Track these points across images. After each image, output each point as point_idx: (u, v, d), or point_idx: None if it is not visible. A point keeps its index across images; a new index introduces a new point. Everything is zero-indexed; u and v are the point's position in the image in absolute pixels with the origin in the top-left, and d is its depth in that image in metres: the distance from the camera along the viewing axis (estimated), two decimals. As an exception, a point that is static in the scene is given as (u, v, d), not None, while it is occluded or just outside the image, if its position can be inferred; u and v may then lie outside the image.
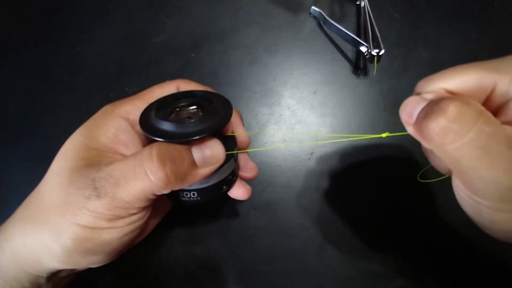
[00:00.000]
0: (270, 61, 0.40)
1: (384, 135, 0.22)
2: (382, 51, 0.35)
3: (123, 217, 0.22)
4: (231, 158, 0.25)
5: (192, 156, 0.22)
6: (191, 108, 0.25)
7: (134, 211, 0.22)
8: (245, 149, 0.29)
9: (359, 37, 0.37)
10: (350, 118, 0.38)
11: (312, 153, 0.37)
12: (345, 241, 0.35)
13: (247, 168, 0.29)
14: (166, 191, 0.21)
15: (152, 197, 0.21)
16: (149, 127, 0.22)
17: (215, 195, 0.25)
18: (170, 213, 0.34)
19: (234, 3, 0.42)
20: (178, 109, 0.24)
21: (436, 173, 0.26)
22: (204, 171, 0.22)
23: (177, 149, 0.21)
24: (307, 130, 0.38)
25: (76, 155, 0.22)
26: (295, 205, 0.36)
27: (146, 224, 0.26)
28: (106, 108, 0.25)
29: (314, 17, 0.41)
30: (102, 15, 0.42)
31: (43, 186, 0.23)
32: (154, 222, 0.29)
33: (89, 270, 0.26)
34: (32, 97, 0.40)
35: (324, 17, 0.39)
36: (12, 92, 0.40)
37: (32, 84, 0.40)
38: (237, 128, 0.28)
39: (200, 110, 0.25)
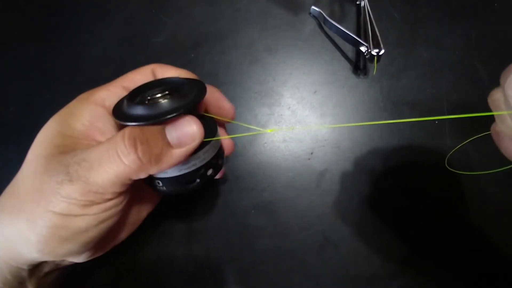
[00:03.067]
0: (270, 61, 0.40)
1: (269, 130, 0.22)
2: (382, 51, 0.35)
3: (97, 203, 0.21)
4: (207, 144, 0.23)
5: (165, 136, 0.21)
6: (165, 93, 0.24)
7: (109, 196, 0.21)
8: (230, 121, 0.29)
9: (359, 37, 0.37)
10: (350, 118, 0.38)
11: (312, 153, 0.37)
12: (345, 241, 0.35)
13: (222, 108, 0.27)
14: (142, 175, 0.21)
15: (128, 181, 0.21)
16: (121, 114, 0.21)
17: (183, 187, 0.24)
18: (170, 212, 0.34)
19: (234, 3, 0.42)
20: (152, 95, 0.24)
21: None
22: (180, 151, 0.21)
23: (149, 131, 0.21)
24: (303, 126, 0.38)
25: (51, 143, 0.22)
26: (295, 205, 0.36)
27: (127, 213, 0.26)
28: (81, 96, 0.25)
29: (314, 17, 0.41)
30: (102, 15, 0.42)
31: (19, 176, 0.23)
32: (142, 214, 0.28)
33: (88, 270, 0.26)
34: (32, 97, 0.40)
35: (324, 17, 0.39)
36: (12, 92, 0.40)
37: (32, 84, 0.40)
38: (219, 102, 0.27)
39: (174, 94, 0.24)
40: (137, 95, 0.23)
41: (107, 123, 0.24)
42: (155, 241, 0.35)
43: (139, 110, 0.21)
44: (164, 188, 0.23)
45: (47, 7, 0.43)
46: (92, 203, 0.21)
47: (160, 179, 0.23)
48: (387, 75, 0.39)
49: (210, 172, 0.24)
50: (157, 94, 0.23)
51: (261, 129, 0.22)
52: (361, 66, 0.39)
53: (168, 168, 0.21)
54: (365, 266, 0.34)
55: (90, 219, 0.21)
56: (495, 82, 0.38)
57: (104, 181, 0.20)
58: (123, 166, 0.20)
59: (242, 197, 0.36)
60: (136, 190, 0.25)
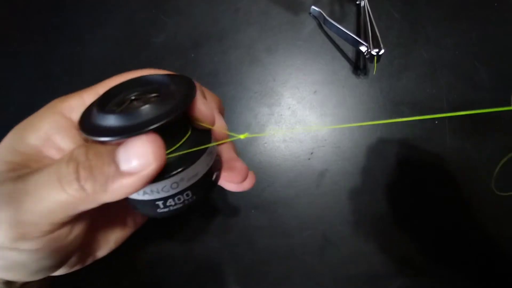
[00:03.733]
0: (270, 61, 0.40)
1: (242, 136, 0.19)
2: (382, 51, 0.35)
3: (32, 237, 0.17)
4: (196, 161, 0.18)
5: (114, 160, 0.16)
6: (149, 96, 0.19)
7: (47, 228, 0.17)
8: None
9: (359, 37, 0.37)
10: (350, 118, 0.38)
11: (312, 153, 0.37)
12: (345, 241, 0.35)
13: (233, 168, 0.23)
14: (90, 205, 0.17)
15: (73, 212, 0.17)
16: (88, 125, 0.17)
17: (154, 212, 0.19)
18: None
19: (234, 3, 0.42)
20: (132, 99, 0.19)
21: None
22: (131, 181, 0.16)
23: (95, 153, 0.17)
24: (304, 127, 0.38)
25: (1, 159, 0.19)
26: (295, 205, 0.36)
27: (99, 235, 0.23)
28: (50, 103, 0.21)
29: (314, 17, 0.41)
30: (102, 15, 0.42)
31: None
32: (125, 232, 0.25)
33: (87, 270, 0.26)
34: (32, 97, 0.40)
35: (324, 17, 0.39)
36: (12, 92, 0.40)
37: (32, 84, 0.40)
38: (230, 161, 0.22)
39: (157, 97, 0.19)
40: (111, 99, 0.19)
41: (67, 137, 0.20)
42: (155, 241, 0.35)
43: (109, 120, 0.16)
44: (140, 211, 0.19)
45: (47, 7, 0.43)
46: (24, 236, 0.16)
47: (132, 200, 0.19)
48: (387, 75, 0.39)
49: (193, 196, 0.19)
50: (142, 95, 0.19)
51: (235, 135, 0.20)
52: (361, 66, 0.39)
53: (121, 197, 0.17)
54: (365, 266, 0.34)
55: (25, 255, 0.17)
56: (495, 82, 0.38)
57: (40, 210, 0.16)
58: (65, 195, 0.16)
59: (242, 197, 0.36)
60: (115, 208, 0.22)
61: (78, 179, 0.16)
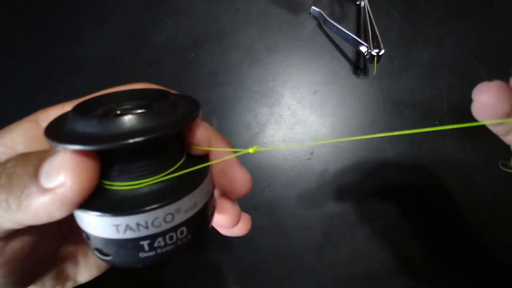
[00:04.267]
0: (270, 61, 0.40)
1: (251, 150, 0.15)
2: (382, 51, 0.35)
3: None
4: (182, 191, 0.14)
5: (37, 172, 0.14)
6: (143, 109, 0.16)
7: None
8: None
9: (359, 37, 0.37)
10: (350, 118, 0.38)
11: (312, 153, 0.37)
12: (345, 241, 0.35)
13: (233, 179, 0.19)
14: (6, 224, 0.14)
15: (3, 232, 0.15)
16: (56, 131, 0.14)
17: (134, 258, 0.14)
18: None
19: (234, 3, 0.42)
20: (120, 110, 0.16)
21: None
22: (43, 200, 0.13)
23: (29, 160, 0.14)
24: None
25: None
26: (295, 205, 0.36)
27: (70, 261, 0.21)
28: (37, 112, 0.19)
29: (314, 17, 0.41)
30: (102, 15, 0.42)
31: None
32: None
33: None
34: (32, 97, 0.40)
35: (324, 17, 0.39)
36: (12, 92, 0.40)
37: (32, 84, 0.40)
38: (229, 168, 0.19)
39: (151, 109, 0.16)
40: (97, 106, 0.16)
41: (33, 146, 0.18)
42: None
43: (78, 125, 0.14)
44: (111, 258, 0.15)
45: (47, 7, 0.43)
46: None
47: (103, 242, 0.14)
48: (387, 75, 0.39)
49: (188, 235, 0.15)
50: (127, 107, 0.16)
51: (243, 150, 0.15)
52: (361, 66, 0.39)
53: (42, 220, 0.14)
54: (365, 266, 0.34)
55: None
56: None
57: None
58: None
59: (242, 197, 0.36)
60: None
61: None
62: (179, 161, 0.15)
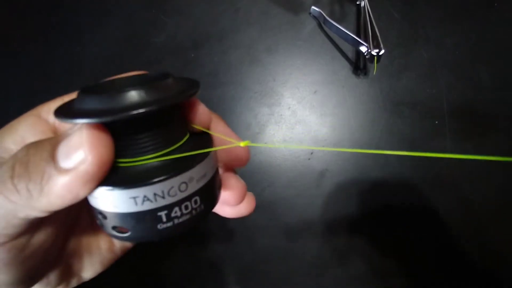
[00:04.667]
0: (270, 61, 0.40)
1: (243, 144, 0.16)
2: (382, 51, 0.35)
3: None
4: (193, 161, 0.15)
5: (53, 154, 0.14)
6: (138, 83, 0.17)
7: None
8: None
9: (359, 37, 0.37)
10: (350, 118, 0.38)
11: (312, 153, 0.37)
12: (345, 241, 0.35)
13: (228, 185, 0.19)
14: (29, 212, 0.14)
15: (15, 221, 0.14)
16: (64, 110, 0.14)
17: (153, 231, 0.15)
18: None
19: (234, 3, 0.42)
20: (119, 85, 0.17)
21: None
22: (65, 180, 0.13)
23: (41, 145, 0.14)
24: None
25: None
26: (295, 205, 0.36)
27: (76, 257, 0.21)
28: (37, 107, 0.19)
29: (314, 17, 0.41)
30: (102, 15, 0.42)
31: None
32: (107, 256, 0.22)
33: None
34: (32, 97, 0.40)
35: (324, 17, 0.39)
36: (12, 92, 0.40)
37: (32, 84, 0.40)
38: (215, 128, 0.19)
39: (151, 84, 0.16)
40: (99, 90, 0.16)
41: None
42: (155, 242, 0.35)
43: (83, 103, 0.14)
44: (129, 234, 0.15)
45: (47, 7, 0.43)
46: None
47: (119, 216, 0.15)
48: (387, 75, 0.39)
49: (201, 205, 0.16)
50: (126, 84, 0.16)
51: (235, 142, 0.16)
52: (361, 66, 0.39)
53: (65, 203, 0.14)
54: (365, 266, 0.34)
55: None
56: (495, 82, 0.38)
57: None
58: (1, 198, 0.14)
59: (242, 197, 0.36)
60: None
61: (12, 176, 0.14)
62: (185, 135, 0.16)
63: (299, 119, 0.38)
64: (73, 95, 0.19)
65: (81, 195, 0.14)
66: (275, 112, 0.38)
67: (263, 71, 0.40)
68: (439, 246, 0.35)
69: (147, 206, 0.14)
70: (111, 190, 0.14)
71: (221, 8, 0.42)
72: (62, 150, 0.14)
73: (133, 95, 0.13)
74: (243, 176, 0.37)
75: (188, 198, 0.15)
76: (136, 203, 0.14)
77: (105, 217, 0.15)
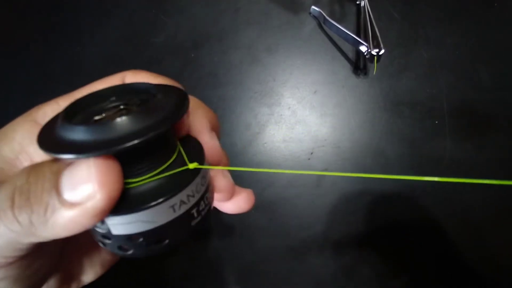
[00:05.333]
0: (270, 61, 0.40)
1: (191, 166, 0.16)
2: (382, 51, 0.35)
3: None
4: (188, 184, 0.15)
5: (56, 186, 0.13)
6: (131, 106, 0.16)
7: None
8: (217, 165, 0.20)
9: (359, 37, 0.37)
10: (350, 118, 0.38)
11: (312, 153, 0.37)
12: (345, 241, 0.35)
13: (220, 189, 0.19)
14: (32, 239, 0.14)
15: (20, 247, 0.14)
16: (50, 139, 0.14)
17: (187, 229, 0.16)
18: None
19: (234, 3, 0.42)
20: (109, 110, 0.16)
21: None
22: (71, 214, 0.13)
23: (37, 175, 0.14)
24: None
25: None
26: (295, 205, 0.36)
27: (76, 262, 0.21)
28: (27, 111, 0.19)
29: (314, 17, 0.41)
30: (102, 15, 0.42)
31: None
32: (107, 258, 0.22)
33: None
34: (32, 97, 0.40)
35: (324, 17, 0.39)
36: (12, 92, 0.40)
37: (32, 84, 0.40)
38: (200, 135, 0.18)
39: (140, 107, 0.16)
40: (84, 108, 0.16)
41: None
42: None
43: (74, 133, 0.13)
44: (167, 241, 0.15)
45: (47, 7, 0.43)
46: None
47: (140, 234, 0.15)
48: (387, 75, 0.39)
49: (209, 201, 0.17)
50: (113, 107, 0.16)
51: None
52: (361, 66, 0.39)
53: (70, 233, 0.14)
54: (365, 266, 0.34)
55: None
56: (495, 82, 0.38)
57: None
58: (2, 227, 0.13)
59: (242, 197, 0.36)
60: None
61: (12, 207, 0.13)
62: (177, 144, 0.17)
63: (299, 119, 0.38)
64: (67, 98, 0.19)
65: (88, 226, 0.14)
66: (275, 112, 0.38)
67: (263, 71, 0.40)
68: (439, 251, 0.35)
69: (183, 208, 0.15)
70: (151, 206, 0.14)
71: (221, 8, 0.42)
72: (66, 181, 0.13)
73: (134, 121, 0.13)
74: (243, 176, 0.38)
75: (205, 192, 0.16)
76: (174, 210, 0.15)
77: (139, 238, 0.15)
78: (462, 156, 0.36)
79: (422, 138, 0.37)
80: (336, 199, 0.36)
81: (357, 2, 0.41)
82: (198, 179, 0.15)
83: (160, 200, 0.14)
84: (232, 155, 0.37)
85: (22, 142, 0.17)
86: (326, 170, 0.36)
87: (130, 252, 0.15)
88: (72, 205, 0.13)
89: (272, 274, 0.34)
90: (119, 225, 0.14)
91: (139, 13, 0.42)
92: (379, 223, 0.35)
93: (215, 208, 0.20)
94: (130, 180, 0.14)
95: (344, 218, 0.35)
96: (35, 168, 0.14)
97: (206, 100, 0.20)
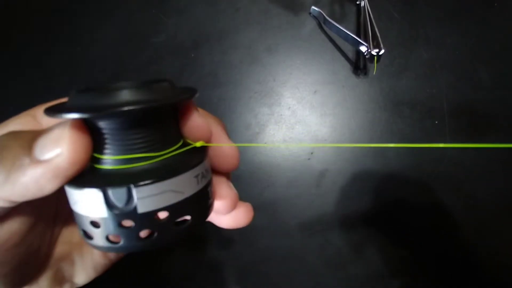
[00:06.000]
0: (270, 61, 0.40)
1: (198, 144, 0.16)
2: (382, 51, 0.35)
3: None
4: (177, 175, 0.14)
5: (31, 145, 0.14)
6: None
7: None
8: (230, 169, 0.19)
9: (359, 37, 0.37)
10: (350, 118, 0.38)
11: (312, 153, 0.37)
12: (345, 241, 0.35)
13: (224, 196, 0.19)
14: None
15: None
16: (56, 107, 0.14)
17: (206, 206, 0.16)
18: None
19: (234, 3, 0.42)
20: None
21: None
22: (37, 171, 0.13)
23: (20, 134, 0.15)
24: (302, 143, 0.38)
25: None
26: (295, 205, 0.36)
27: (67, 258, 0.21)
28: (34, 107, 0.20)
29: (314, 17, 0.41)
30: (102, 15, 0.42)
31: None
32: (100, 260, 0.22)
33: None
34: (32, 97, 0.40)
35: (324, 17, 0.39)
36: (12, 92, 0.40)
37: (32, 84, 0.40)
38: (220, 138, 0.18)
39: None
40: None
41: None
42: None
43: (76, 99, 0.14)
44: (127, 240, 0.14)
45: (47, 7, 0.43)
46: None
47: (174, 205, 0.14)
48: (387, 75, 0.39)
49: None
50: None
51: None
52: (361, 66, 0.39)
53: (35, 194, 0.14)
54: (365, 266, 0.34)
55: None
56: (495, 82, 0.38)
57: None
58: None
59: (242, 197, 0.36)
60: None
61: None
62: (181, 136, 0.16)
63: (299, 119, 0.38)
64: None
65: (46, 190, 0.14)
66: (275, 112, 0.38)
67: (263, 71, 0.40)
68: (439, 251, 0.35)
69: (203, 182, 0.15)
70: (183, 174, 0.14)
71: (221, 8, 0.42)
72: (41, 141, 0.14)
73: (125, 94, 0.13)
74: (243, 176, 0.38)
75: (210, 182, 0.16)
76: (198, 182, 0.15)
77: (165, 213, 0.14)
78: (462, 156, 0.36)
79: (422, 138, 0.37)
80: (336, 199, 0.36)
81: (357, 2, 0.41)
82: (206, 162, 0.16)
83: (189, 167, 0.14)
84: (232, 155, 0.37)
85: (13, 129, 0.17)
86: (326, 170, 0.36)
87: (154, 237, 0.14)
88: (39, 162, 0.13)
89: (272, 274, 0.34)
90: (148, 198, 0.13)
91: (139, 13, 0.42)
92: (379, 223, 0.35)
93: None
94: (152, 154, 0.14)
95: (344, 219, 0.35)
96: (20, 131, 0.15)
97: (206, 100, 0.20)
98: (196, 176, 0.15)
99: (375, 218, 0.35)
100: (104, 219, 0.13)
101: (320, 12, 0.39)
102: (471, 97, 0.38)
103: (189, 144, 0.16)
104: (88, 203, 0.14)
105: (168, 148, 0.15)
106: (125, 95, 0.13)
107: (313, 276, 0.34)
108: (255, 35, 0.41)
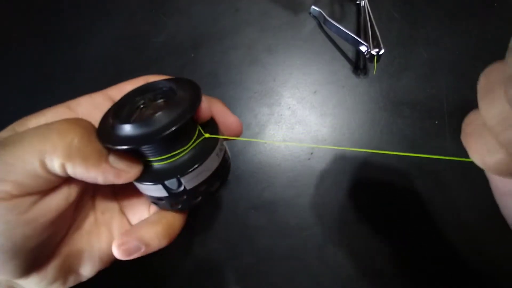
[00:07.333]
0: (270, 61, 0.40)
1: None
2: (382, 51, 0.35)
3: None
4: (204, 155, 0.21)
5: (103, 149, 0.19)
6: (157, 101, 0.22)
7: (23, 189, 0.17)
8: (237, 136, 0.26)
9: (359, 37, 0.37)
10: (350, 118, 0.38)
11: (312, 153, 0.37)
12: (345, 241, 0.35)
13: (226, 123, 0.24)
14: (62, 164, 0.18)
15: (44, 173, 0.18)
16: (106, 134, 0.20)
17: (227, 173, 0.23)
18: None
19: (234, 3, 0.42)
20: (142, 106, 0.22)
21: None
22: (110, 169, 0.19)
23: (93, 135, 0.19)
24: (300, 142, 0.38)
25: None
26: (295, 205, 0.36)
27: (76, 247, 0.22)
28: (67, 101, 0.23)
29: (314, 17, 0.41)
30: (102, 15, 0.42)
31: None
32: (107, 252, 0.23)
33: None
34: (32, 97, 0.40)
35: (324, 17, 0.39)
36: (12, 92, 0.40)
37: (32, 84, 0.40)
38: (223, 116, 0.24)
39: (166, 102, 0.22)
40: (123, 107, 0.21)
41: None
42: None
43: (125, 130, 0.19)
44: (184, 203, 0.22)
45: (47, 7, 0.43)
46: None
47: (178, 195, 0.21)
48: (387, 75, 0.39)
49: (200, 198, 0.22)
50: (150, 101, 0.22)
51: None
52: (361, 66, 0.39)
53: (85, 170, 0.19)
54: (365, 266, 0.34)
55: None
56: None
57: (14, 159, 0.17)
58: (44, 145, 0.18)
59: (242, 197, 0.36)
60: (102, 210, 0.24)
61: (66, 137, 0.18)
62: (196, 126, 0.22)
63: (299, 119, 0.38)
64: (100, 94, 0.24)
65: (107, 180, 0.19)
66: (275, 112, 0.38)
67: (263, 71, 0.40)
68: (441, 246, 0.35)
69: (221, 154, 0.22)
70: (208, 157, 0.21)
71: (221, 8, 0.42)
72: (113, 159, 0.19)
73: (160, 119, 0.18)
74: (243, 176, 0.38)
75: (225, 148, 0.23)
76: (218, 156, 0.22)
77: (203, 185, 0.21)
78: (462, 156, 0.36)
79: (422, 138, 0.37)
80: (336, 199, 0.36)
81: (357, 2, 0.41)
82: (219, 143, 0.22)
83: (210, 150, 0.21)
84: (232, 155, 0.37)
85: (48, 120, 0.20)
86: (326, 170, 0.36)
87: (199, 199, 0.22)
88: (111, 167, 0.19)
89: (272, 274, 0.34)
90: (191, 180, 0.20)
91: (139, 13, 0.42)
92: (380, 224, 0.35)
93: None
94: (185, 148, 0.20)
95: (344, 218, 0.35)
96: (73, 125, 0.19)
97: (206, 100, 0.21)
98: (217, 154, 0.21)
99: (375, 218, 0.35)
100: (166, 197, 0.21)
101: (320, 12, 0.39)
102: (471, 97, 0.37)
103: (202, 127, 0.22)
104: (154, 191, 0.21)
105: (192, 138, 0.20)
106: (160, 120, 0.18)
107: (313, 276, 0.34)
108: (255, 35, 0.41)
